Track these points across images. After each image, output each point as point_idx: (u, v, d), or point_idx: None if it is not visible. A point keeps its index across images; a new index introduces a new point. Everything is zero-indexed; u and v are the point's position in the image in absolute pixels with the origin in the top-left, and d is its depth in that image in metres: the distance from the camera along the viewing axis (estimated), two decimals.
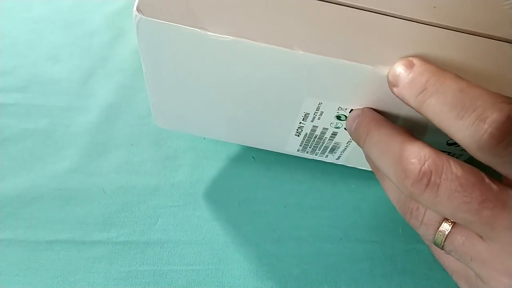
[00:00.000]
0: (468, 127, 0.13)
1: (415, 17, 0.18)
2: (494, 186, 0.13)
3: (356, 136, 0.18)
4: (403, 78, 0.15)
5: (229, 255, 0.23)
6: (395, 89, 0.16)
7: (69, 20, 0.31)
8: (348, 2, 0.18)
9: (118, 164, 0.25)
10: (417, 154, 0.14)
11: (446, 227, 0.15)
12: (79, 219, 0.23)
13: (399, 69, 0.16)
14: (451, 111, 0.14)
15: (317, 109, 0.19)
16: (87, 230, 0.23)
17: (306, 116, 0.19)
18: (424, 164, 0.14)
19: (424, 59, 0.16)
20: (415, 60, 0.16)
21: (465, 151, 0.14)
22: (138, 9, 0.17)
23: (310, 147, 0.22)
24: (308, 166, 0.25)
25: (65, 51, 0.30)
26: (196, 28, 0.16)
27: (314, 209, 0.24)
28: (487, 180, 0.14)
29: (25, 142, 0.26)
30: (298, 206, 0.24)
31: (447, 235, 0.15)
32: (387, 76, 0.16)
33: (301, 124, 0.20)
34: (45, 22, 0.31)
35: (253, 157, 0.26)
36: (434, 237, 0.15)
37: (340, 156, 0.22)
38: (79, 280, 0.22)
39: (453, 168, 0.14)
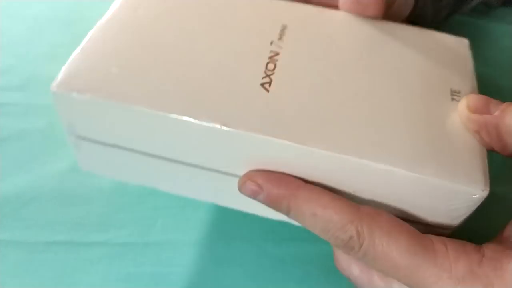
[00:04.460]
0: (331, 242, 0.16)
1: None
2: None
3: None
4: (260, 197, 0.17)
5: (230, 257, 0.22)
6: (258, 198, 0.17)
7: (68, 18, 0.31)
8: None
9: None
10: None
11: None
12: (78, 220, 0.23)
13: (247, 192, 0.17)
14: (314, 231, 0.16)
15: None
16: (85, 231, 0.23)
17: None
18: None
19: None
20: (260, 181, 0.17)
21: None
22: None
23: None
24: None
25: (63, 49, 0.29)
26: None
27: None
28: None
29: (23, 142, 0.26)
30: None
31: None
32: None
33: None
34: (43, 20, 0.31)
35: None
36: None
37: None
38: (78, 282, 0.21)
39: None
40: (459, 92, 0.18)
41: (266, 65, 0.18)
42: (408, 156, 0.16)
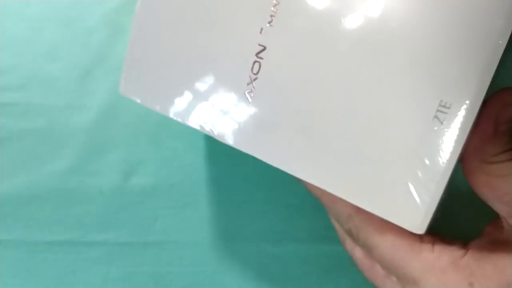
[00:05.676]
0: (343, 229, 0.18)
1: None
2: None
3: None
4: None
5: (229, 257, 0.22)
6: None
7: (67, 17, 0.31)
8: None
9: (116, 164, 0.25)
10: None
11: None
12: (77, 219, 0.23)
13: None
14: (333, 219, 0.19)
15: None
16: (85, 231, 0.23)
17: None
18: None
19: None
20: None
21: None
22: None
23: None
24: None
25: (63, 49, 0.29)
26: None
27: (315, 210, 0.24)
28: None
29: (23, 142, 0.26)
30: (299, 207, 0.24)
31: None
32: None
33: None
34: (43, 19, 0.31)
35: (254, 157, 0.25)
36: None
37: None
38: (77, 282, 0.21)
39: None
40: (448, 107, 0.13)
41: (253, 65, 0.15)
42: (352, 185, 0.15)
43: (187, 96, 0.17)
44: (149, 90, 0.18)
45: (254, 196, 0.24)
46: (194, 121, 0.17)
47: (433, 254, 0.15)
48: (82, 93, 0.27)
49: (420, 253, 0.15)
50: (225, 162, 0.25)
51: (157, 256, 0.22)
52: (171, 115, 0.18)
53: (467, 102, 0.13)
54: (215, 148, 0.26)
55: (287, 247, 0.23)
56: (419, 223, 0.14)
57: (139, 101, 0.19)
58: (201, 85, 0.17)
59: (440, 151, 0.13)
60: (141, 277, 0.22)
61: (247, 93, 0.16)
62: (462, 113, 0.13)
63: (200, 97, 0.17)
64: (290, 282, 0.22)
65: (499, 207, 0.15)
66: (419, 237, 0.16)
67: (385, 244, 0.16)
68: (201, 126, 0.17)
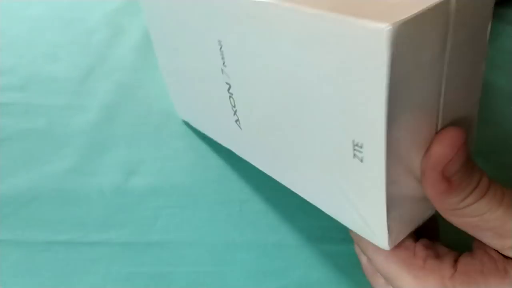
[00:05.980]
0: None
1: None
2: None
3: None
4: None
5: (230, 257, 0.22)
6: None
7: (68, 18, 0.31)
8: None
9: (117, 164, 0.25)
10: None
11: None
12: (78, 219, 0.23)
13: None
14: None
15: None
16: (86, 231, 0.23)
17: None
18: None
19: None
20: None
21: None
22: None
23: None
24: None
25: (64, 49, 0.30)
26: None
27: (316, 210, 0.24)
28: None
29: (23, 142, 0.26)
30: (300, 207, 0.24)
31: None
32: None
33: None
34: (44, 20, 0.31)
35: None
36: None
37: None
38: (78, 282, 0.21)
39: None
40: (361, 147, 0.13)
41: (230, 99, 0.18)
42: (327, 203, 0.17)
43: (215, 122, 0.22)
44: (193, 115, 0.23)
45: (254, 196, 0.24)
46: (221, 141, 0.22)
47: (423, 272, 0.16)
48: (82, 93, 0.27)
49: (410, 269, 0.16)
50: (225, 162, 0.25)
51: (157, 256, 0.22)
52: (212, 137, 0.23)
53: (375, 140, 0.13)
54: (215, 148, 0.26)
55: (288, 247, 0.23)
56: (381, 242, 0.16)
57: (193, 125, 0.24)
58: (213, 117, 0.21)
59: (368, 185, 0.14)
60: (141, 277, 0.22)
61: (236, 121, 0.19)
62: (373, 151, 0.13)
63: (218, 125, 0.22)
64: (290, 282, 0.22)
65: (487, 241, 0.15)
66: (413, 252, 0.16)
67: (380, 257, 0.17)
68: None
